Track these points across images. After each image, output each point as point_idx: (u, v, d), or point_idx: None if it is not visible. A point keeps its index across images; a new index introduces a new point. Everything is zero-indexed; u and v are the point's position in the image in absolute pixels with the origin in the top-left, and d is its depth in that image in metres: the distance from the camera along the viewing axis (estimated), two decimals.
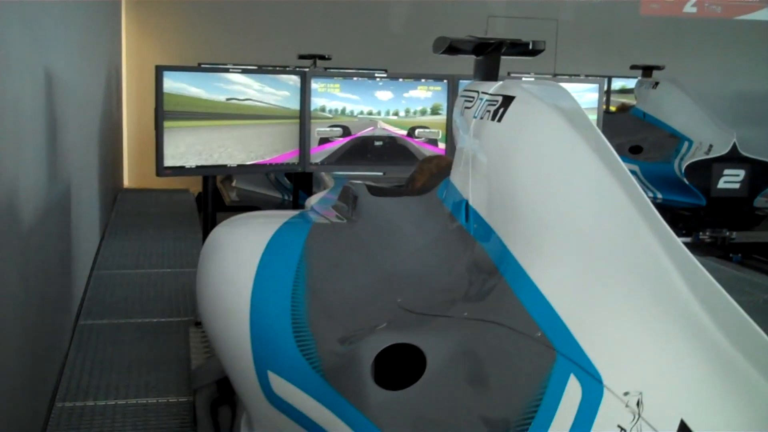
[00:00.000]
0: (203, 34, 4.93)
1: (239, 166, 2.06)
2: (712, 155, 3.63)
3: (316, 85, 2.11)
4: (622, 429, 0.61)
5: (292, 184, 3.84)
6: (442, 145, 2.21)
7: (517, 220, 0.87)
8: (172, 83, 1.92)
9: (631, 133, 3.97)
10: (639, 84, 4.23)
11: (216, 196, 2.18)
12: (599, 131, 0.83)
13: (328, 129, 2.13)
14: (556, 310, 0.75)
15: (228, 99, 2.00)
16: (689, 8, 5.76)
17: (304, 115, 2.11)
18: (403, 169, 1.95)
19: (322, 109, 2.13)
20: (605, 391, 0.64)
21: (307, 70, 2.27)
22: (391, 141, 2.18)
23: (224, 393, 1.50)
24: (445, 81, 2.19)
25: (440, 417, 0.79)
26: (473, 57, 1.10)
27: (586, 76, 4.07)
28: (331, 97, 2.11)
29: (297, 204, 2.74)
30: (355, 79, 2.17)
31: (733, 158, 3.59)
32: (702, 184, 3.63)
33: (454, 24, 4.85)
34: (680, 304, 0.65)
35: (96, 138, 3.10)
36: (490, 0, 5.38)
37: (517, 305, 0.79)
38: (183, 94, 1.94)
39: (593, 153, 0.80)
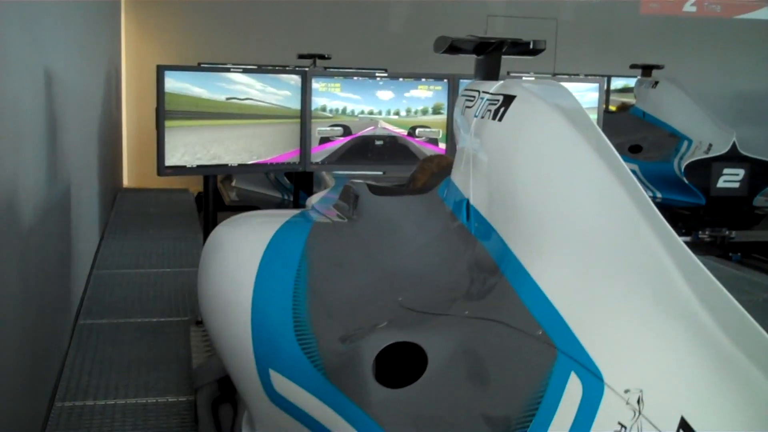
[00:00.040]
0: (203, 33, 4.93)
1: (240, 165, 2.06)
2: (711, 154, 3.63)
3: (317, 84, 2.11)
4: (622, 426, 0.61)
5: (293, 183, 3.84)
6: (442, 145, 2.21)
7: (518, 218, 0.87)
8: (174, 83, 1.93)
9: (630, 133, 3.97)
10: (638, 83, 4.23)
11: (215, 195, 2.17)
12: (600, 130, 0.83)
13: (328, 128, 2.13)
14: (556, 309, 0.75)
15: (228, 98, 2.00)
16: (689, 7, 5.77)
17: (304, 115, 2.11)
18: (404, 169, 1.95)
19: (323, 109, 2.13)
20: (606, 388, 0.64)
21: (307, 69, 2.27)
22: (391, 140, 2.18)
23: (225, 392, 1.50)
24: (446, 80, 2.19)
25: (441, 415, 0.79)
26: (474, 56, 1.11)
27: (586, 75, 4.07)
28: (332, 96, 2.12)
29: (297, 203, 2.74)
30: (355, 78, 2.17)
31: (733, 157, 3.60)
32: (701, 184, 3.63)
33: (454, 23, 4.85)
34: (681, 302, 0.65)
35: (95, 138, 3.10)
36: (490, 0, 5.38)
37: (518, 304, 0.79)
38: (184, 94, 1.94)
39: (594, 152, 0.81)
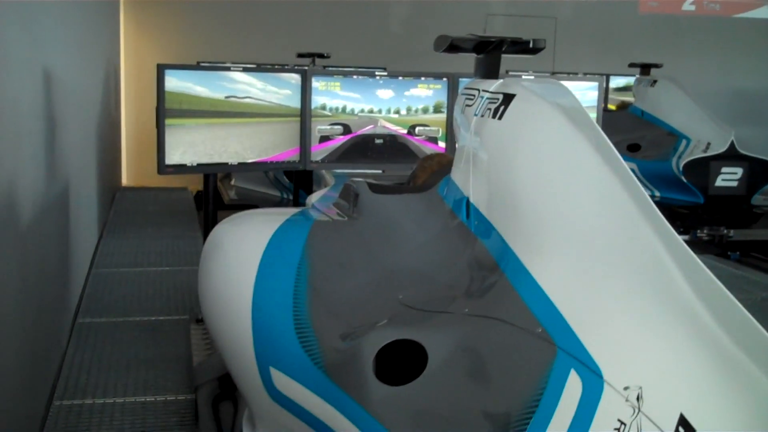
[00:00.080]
0: (201, 33, 4.92)
1: (240, 164, 2.06)
2: (709, 153, 3.64)
3: (317, 83, 2.11)
4: (622, 423, 0.61)
5: (292, 182, 3.84)
6: (442, 143, 2.21)
7: (517, 217, 0.88)
8: (175, 82, 1.92)
9: (629, 131, 3.98)
10: (637, 82, 4.23)
11: (215, 194, 2.17)
12: (600, 129, 0.83)
13: (328, 127, 2.14)
14: (556, 306, 0.76)
15: (228, 97, 2.00)
16: (688, 6, 5.77)
17: (305, 113, 2.11)
18: (404, 167, 1.95)
19: (323, 107, 2.13)
20: (605, 385, 0.65)
21: (306, 68, 2.27)
22: (391, 139, 2.18)
23: (226, 389, 1.50)
24: (445, 79, 2.20)
25: (442, 412, 0.80)
26: (473, 55, 1.11)
27: (585, 74, 4.08)
28: (332, 95, 2.12)
29: (297, 202, 2.74)
30: (355, 77, 2.17)
31: (731, 156, 3.60)
32: (700, 182, 3.63)
33: (453, 22, 4.84)
34: (680, 300, 0.66)
35: (94, 137, 3.10)
36: None
37: (518, 301, 0.80)
38: (184, 93, 1.94)
39: (594, 150, 0.81)
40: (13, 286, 1.35)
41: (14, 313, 1.36)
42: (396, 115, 2.17)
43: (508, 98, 0.95)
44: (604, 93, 4.42)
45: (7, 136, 1.34)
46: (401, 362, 0.87)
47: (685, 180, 3.66)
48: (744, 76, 5.79)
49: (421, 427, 0.80)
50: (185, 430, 1.52)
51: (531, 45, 1.07)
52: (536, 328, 0.76)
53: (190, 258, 2.84)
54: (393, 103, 2.17)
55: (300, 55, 3.98)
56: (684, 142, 3.81)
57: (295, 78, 2.09)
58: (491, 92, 0.99)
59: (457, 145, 1.10)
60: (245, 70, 2.07)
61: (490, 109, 0.97)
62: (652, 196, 3.79)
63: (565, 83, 1.06)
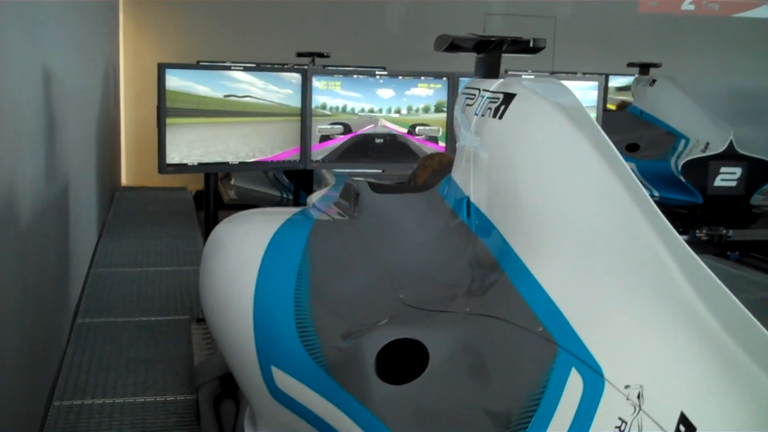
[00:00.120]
0: (201, 32, 4.91)
1: (241, 163, 2.06)
2: (708, 153, 3.64)
3: (317, 82, 2.11)
4: (623, 421, 0.61)
5: (291, 181, 3.84)
6: (442, 143, 2.21)
7: (518, 216, 0.88)
8: (177, 81, 1.92)
9: (628, 131, 3.98)
10: (636, 82, 4.24)
11: (215, 194, 2.17)
12: (600, 128, 0.83)
13: (329, 126, 2.14)
14: (557, 305, 0.76)
15: (230, 96, 2.00)
16: (687, 6, 5.78)
17: (305, 113, 2.11)
18: (404, 167, 1.96)
19: (323, 107, 2.13)
20: (606, 384, 0.65)
21: (306, 67, 2.27)
22: (391, 138, 2.18)
23: (227, 389, 1.50)
24: (445, 78, 2.20)
25: (443, 410, 0.80)
26: (474, 55, 1.11)
27: (584, 73, 4.08)
28: (333, 94, 2.12)
29: (298, 201, 2.74)
30: (355, 76, 2.17)
31: (730, 156, 3.60)
32: (699, 182, 3.63)
33: (452, 22, 4.85)
34: (680, 299, 0.66)
35: (94, 136, 3.10)
36: None
37: (519, 300, 0.80)
38: (186, 92, 1.94)
39: (594, 149, 0.81)
40: (12, 286, 1.35)
41: (14, 313, 1.36)
42: (397, 115, 2.17)
43: (508, 98, 0.95)
44: (604, 93, 4.42)
45: (7, 136, 1.33)
46: (402, 361, 0.87)
47: (683, 180, 3.66)
48: (743, 75, 5.80)
49: (422, 426, 0.80)
50: (185, 431, 1.52)
51: (531, 44, 1.07)
52: (537, 327, 0.76)
53: (189, 258, 2.84)
54: (393, 103, 2.17)
55: (299, 55, 3.98)
56: (683, 141, 3.81)
57: (295, 77, 2.09)
58: (492, 92, 1.00)
59: (457, 145, 1.10)
60: (246, 69, 2.07)
61: (490, 108, 0.97)
62: (651, 196, 3.78)
63: (566, 83, 1.07)
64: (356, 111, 2.15)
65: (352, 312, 0.98)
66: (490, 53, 1.08)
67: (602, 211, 0.78)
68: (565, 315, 0.74)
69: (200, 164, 1.99)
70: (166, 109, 1.91)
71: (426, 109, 2.18)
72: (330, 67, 3.17)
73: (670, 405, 0.59)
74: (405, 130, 2.18)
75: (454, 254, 0.97)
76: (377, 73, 2.22)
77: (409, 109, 2.17)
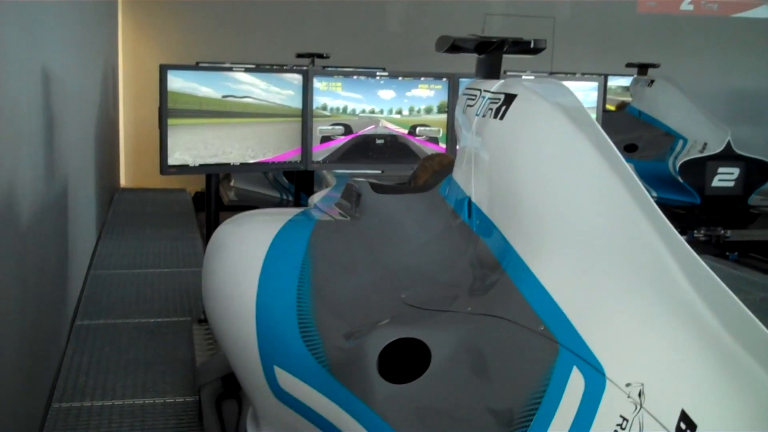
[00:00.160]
0: (200, 33, 4.91)
1: (242, 164, 2.06)
2: (706, 153, 3.65)
3: (318, 84, 2.11)
4: (624, 419, 0.62)
5: (291, 183, 3.84)
6: (442, 144, 2.22)
7: (519, 216, 0.88)
8: (179, 82, 1.93)
9: (626, 132, 3.99)
10: (634, 82, 4.25)
11: (216, 195, 2.18)
12: (600, 128, 0.84)
13: (330, 127, 2.14)
14: (558, 304, 0.76)
15: (227, 96, 2.00)
16: (686, 6, 5.80)
17: (306, 114, 2.11)
18: (405, 167, 1.96)
19: (324, 108, 2.13)
20: (607, 382, 0.65)
21: (306, 68, 2.27)
22: (392, 139, 2.19)
23: (229, 389, 1.50)
24: (446, 79, 2.20)
25: (446, 409, 0.80)
26: (474, 55, 1.11)
27: (583, 74, 4.09)
28: (334, 95, 2.13)
29: (299, 203, 2.74)
30: (355, 77, 2.17)
31: (728, 156, 3.62)
32: (696, 183, 3.64)
33: (451, 22, 4.86)
34: (680, 297, 0.66)
35: (93, 137, 3.09)
36: None
37: (520, 300, 0.80)
38: (187, 93, 1.94)
39: (595, 149, 0.82)
40: (11, 288, 1.35)
41: (13, 314, 1.36)
42: (398, 116, 2.17)
43: (509, 98, 0.95)
44: (603, 93, 4.43)
45: (6, 136, 1.33)
46: (405, 361, 0.87)
47: (681, 180, 3.67)
48: (742, 76, 5.82)
49: (425, 425, 0.81)
50: None
51: (532, 45, 1.07)
52: (538, 326, 0.76)
53: (188, 259, 2.84)
54: (394, 104, 2.18)
55: (299, 56, 3.98)
56: (681, 142, 3.83)
57: (296, 79, 2.10)
58: (493, 92, 1.00)
59: (458, 145, 1.10)
60: (247, 70, 2.07)
61: (491, 109, 0.98)
62: None
63: (566, 84, 1.07)
64: (357, 112, 2.15)
65: (354, 312, 0.99)
66: (491, 54, 1.08)
67: (603, 210, 0.78)
68: (567, 314, 0.74)
69: (201, 165, 1.99)
70: (167, 110, 1.91)
71: (428, 110, 2.18)
72: (330, 68, 3.18)
73: (671, 403, 0.59)
74: (405, 131, 2.19)
75: (455, 254, 0.98)
76: (378, 74, 2.23)
77: (411, 110, 2.17)
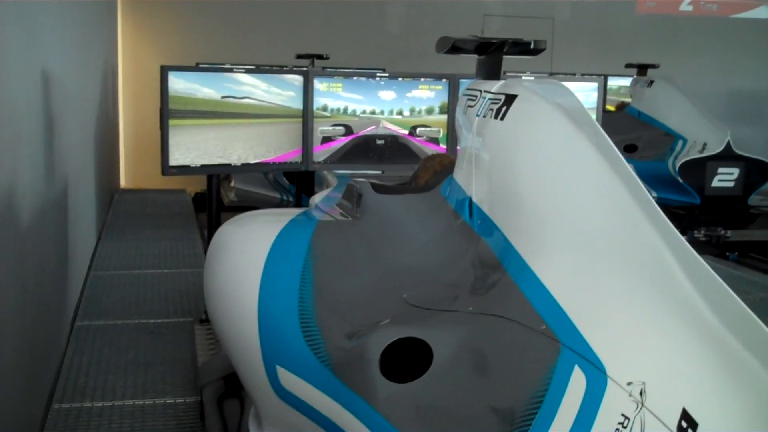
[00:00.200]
0: (200, 33, 4.92)
1: (243, 165, 2.06)
2: (706, 154, 3.66)
3: (319, 84, 2.12)
4: (625, 418, 0.62)
5: (292, 183, 3.84)
6: (443, 144, 2.22)
7: (520, 216, 0.88)
8: (179, 83, 1.93)
9: (626, 132, 4.00)
10: (634, 83, 4.25)
11: (217, 195, 2.18)
12: (601, 129, 0.84)
13: (330, 128, 2.15)
14: (559, 304, 0.76)
15: (226, 97, 2.01)
16: (685, 6, 5.81)
17: (307, 114, 2.12)
18: (405, 168, 1.96)
19: (324, 109, 2.14)
20: (609, 381, 0.65)
21: (306, 69, 2.28)
22: (392, 140, 2.19)
23: (231, 388, 1.50)
24: (446, 80, 2.21)
25: (448, 408, 0.80)
26: (474, 56, 1.12)
27: (583, 75, 4.10)
28: (335, 96, 2.13)
29: (300, 203, 2.74)
30: (355, 78, 2.18)
31: (727, 156, 3.62)
32: (696, 183, 3.65)
33: (450, 23, 4.87)
34: (682, 296, 0.66)
35: (93, 138, 3.09)
36: None
37: (521, 299, 0.80)
38: (188, 94, 1.95)
39: (595, 150, 0.82)
40: (11, 289, 1.35)
41: (13, 315, 1.36)
42: (399, 116, 2.18)
43: (509, 99, 0.96)
44: (603, 93, 4.43)
45: (6, 137, 1.33)
46: (407, 360, 0.87)
47: (681, 180, 3.68)
48: (742, 76, 5.83)
49: (427, 423, 0.81)
50: None
51: (532, 46, 1.07)
52: (540, 325, 0.76)
53: (188, 260, 2.84)
54: (395, 105, 2.18)
55: (299, 56, 3.99)
56: (680, 142, 3.83)
57: (297, 80, 2.10)
58: (493, 93, 1.00)
59: (459, 146, 1.11)
60: (248, 71, 2.08)
61: (492, 109, 0.98)
62: None
63: (566, 84, 1.07)
64: (357, 113, 2.15)
65: (356, 311, 0.99)
66: (492, 55, 1.09)
67: (604, 210, 0.79)
68: (568, 313, 0.75)
69: (203, 166, 2.00)
70: (169, 111, 1.92)
71: (429, 111, 2.19)
72: (329, 69, 3.18)
73: (672, 401, 0.59)
74: (406, 132, 2.19)
75: (456, 254, 0.98)
76: (378, 75, 2.23)
77: (412, 110, 2.18)
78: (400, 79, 2.19)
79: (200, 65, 3.55)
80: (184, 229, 3.41)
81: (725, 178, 3.64)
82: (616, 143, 0.82)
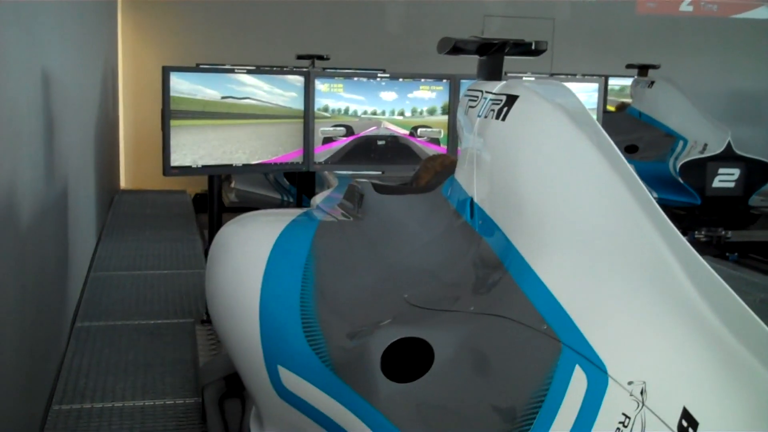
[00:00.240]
0: (200, 34, 4.92)
1: (245, 165, 2.07)
2: (706, 154, 3.66)
3: (320, 85, 2.12)
4: (626, 417, 0.62)
5: (292, 184, 3.84)
6: (443, 145, 2.22)
7: (521, 216, 0.89)
8: (182, 84, 1.93)
9: (626, 133, 4.00)
10: (634, 83, 4.26)
11: (218, 196, 2.18)
12: (602, 129, 0.84)
13: (331, 128, 2.15)
14: (560, 303, 0.77)
15: (226, 98, 2.01)
16: (685, 7, 5.82)
17: (308, 115, 2.12)
18: (406, 168, 1.97)
19: (325, 109, 2.14)
20: (610, 380, 0.66)
21: (307, 69, 2.28)
22: (393, 140, 2.20)
23: (233, 388, 1.50)
24: (447, 81, 2.21)
25: (449, 408, 0.81)
26: (475, 57, 1.12)
27: (583, 75, 4.10)
28: (336, 97, 2.13)
29: (300, 204, 2.73)
30: (356, 79, 2.18)
31: (728, 157, 3.62)
32: (697, 183, 3.65)
33: (451, 23, 4.87)
34: (682, 296, 0.67)
35: (93, 139, 3.09)
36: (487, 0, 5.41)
37: (523, 299, 0.81)
38: (190, 94, 1.95)
39: (596, 150, 0.82)
40: (11, 290, 1.35)
41: (13, 316, 1.36)
42: (400, 117, 2.18)
43: (511, 99, 0.96)
44: (604, 94, 4.43)
45: (6, 137, 1.33)
46: (408, 360, 0.87)
47: (682, 181, 3.68)
48: (742, 76, 5.83)
49: (428, 423, 0.81)
50: None
51: (533, 47, 1.08)
52: (541, 325, 0.76)
53: (188, 261, 2.84)
54: (396, 105, 2.18)
55: (299, 57, 3.99)
56: (681, 143, 3.83)
57: (299, 80, 2.11)
58: (494, 93, 1.01)
59: (460, 146, 1.11)
60: (249, 72, 2.08)
61: (493, 110, 0.98)
62: None
63: (567, 85, 1.07)
64: (358, 113, 2.16)
65: (357, 311, 0.99)
66: (493, 56, 1.09)
67: (605, 210, 0.79)
68: (569, 313, 0.75)
69: (204, 166, 2.00)
70: (170, 111, 1.92)
71: (431, 111, 2.19)
72: (330, 70, 3.19)
73: (673, 401, 0.59)
74: (407, 132, 2.19)
75: (457, 254, 0.98)
76: (379, 75, 2.23)
77: (413, 111, 2.18)
78: (401, 79, 2.20)
79: (200, 66, 3.55)
80: (184, 230, 3.41)
81: (726, 178, 3.65)
82: (616, 144, 0.82)
